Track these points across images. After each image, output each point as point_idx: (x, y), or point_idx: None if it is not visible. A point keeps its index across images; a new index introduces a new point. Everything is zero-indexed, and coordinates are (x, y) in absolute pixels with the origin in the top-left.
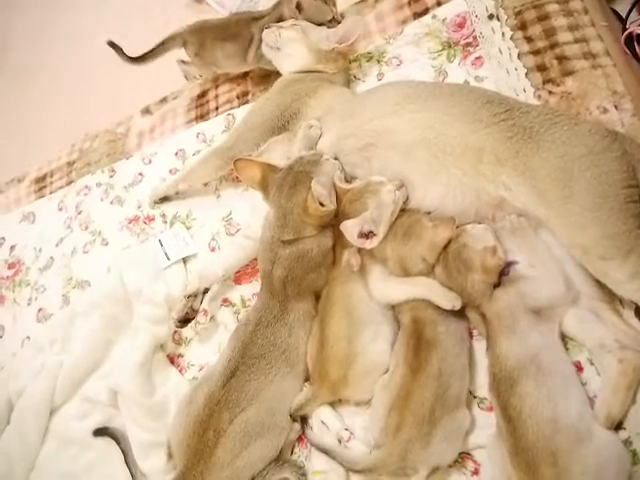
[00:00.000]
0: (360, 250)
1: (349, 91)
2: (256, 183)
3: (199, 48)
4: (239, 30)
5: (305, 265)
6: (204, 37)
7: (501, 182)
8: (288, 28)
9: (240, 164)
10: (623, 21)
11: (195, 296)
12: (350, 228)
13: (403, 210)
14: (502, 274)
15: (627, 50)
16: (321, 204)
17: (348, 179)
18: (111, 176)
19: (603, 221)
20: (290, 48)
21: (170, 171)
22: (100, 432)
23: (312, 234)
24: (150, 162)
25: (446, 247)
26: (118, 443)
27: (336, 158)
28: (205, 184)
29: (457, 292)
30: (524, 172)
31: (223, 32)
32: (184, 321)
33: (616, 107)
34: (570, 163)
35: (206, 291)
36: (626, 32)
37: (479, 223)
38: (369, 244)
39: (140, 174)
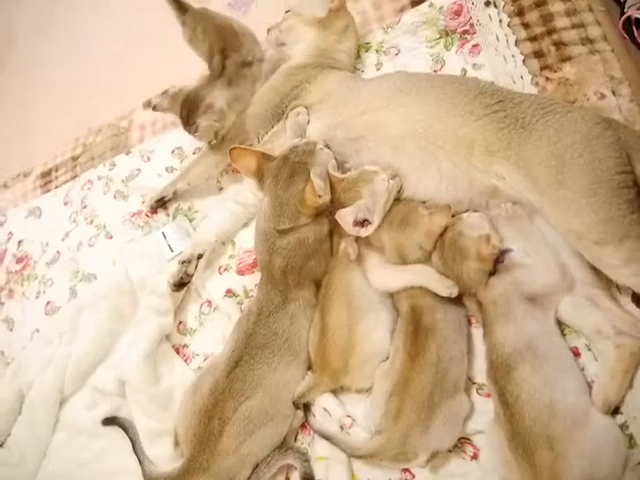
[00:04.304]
0: (357, 239)
1: (350, 77)
2: (251, 172)
3: (193, 34)
4: (231, 38)
5: (303, 253)
6: (199, 24)
7: (493, 172)
8: (284, 20)
9: (235, 153)
10: (621, 5)
11: (189, 262)
12: (345, 217)
13: (398, 199)
14: (497, 262)
15: (625, 35)
16: (318, 196)
17: (340, 167)
18: (111, 169)
19: (597, 206)
20: (294, 35)
21: (166, 169)
22: (109, 421)
23: (307, 222)
24: (149, 159)
25: (442, 235)
26: (126, 432)
27: (327, 146)
28: (207, 178)
29: (453, 280)
30: (517, 161)
31: (214, 28)
32: (179, 285)
33: (614, 93)
34: (563, 150)
35: (200, 257)
36: (624, 16)
37: (475, 211)
38: (364, 232)
39: (138, 169)
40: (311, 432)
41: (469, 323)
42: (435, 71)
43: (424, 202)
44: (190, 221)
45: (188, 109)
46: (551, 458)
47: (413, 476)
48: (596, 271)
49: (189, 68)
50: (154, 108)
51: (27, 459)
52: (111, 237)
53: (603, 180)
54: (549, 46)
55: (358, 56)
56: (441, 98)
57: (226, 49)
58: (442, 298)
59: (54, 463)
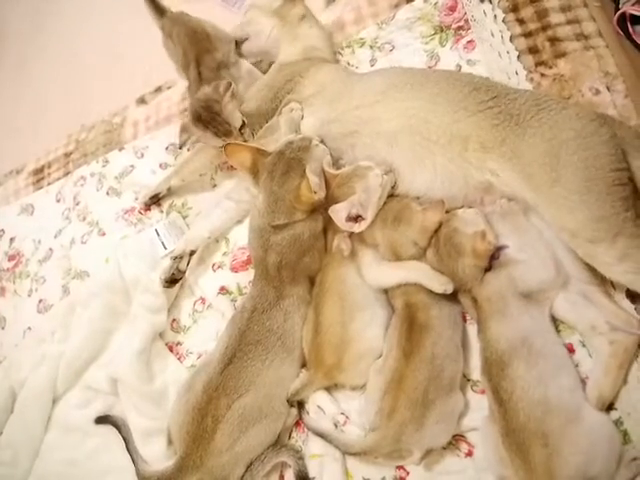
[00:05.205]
0: (351, 235)
1: (343, 71)
2: (246, 168)
3: (167, 38)
4: (204, 42)
5: (298, 249)
6: (174, 29)
7: (487, 168)
8: (244, 16)
9: (230, 149)
10: (616, 1)
11: (181, 258)
12: (338, 212)
13: (392, 195)
14: (493, 258)
15: (620, 31)
16: (314, 192)
17: (335, 163)
18: (104, 166)
19: (591, 204)
20: (255, 26)
21: (160, 165)
22: (102, 420)
23: (302, 218)
24: (142, 156)
25: (437, 231)
26: (119, 430)
27: (322, 141)
28: (201, 175)
29: (448, 276)
30: (511, 158)
31: (186, 32)
32: (171, 281)
33: (608, 88)
34: (557, 147)
35: (192, 253)
36: (619, 12)
37: (470, 207)
38: (357, 228)
39: (131, 166)
40: (305, 430)
41: (464, 320)
42: (430, 67)
43: (418, 198)
44: (184, 218)
45: (205, 112)
46: (545, 454)
47: (407, 473)
48: (590, 267)
49: None
50: (181, 147)
51: (19, 458)
52: (104, 234)
53: (597, 177)
54: (544, 42)
55: (353, 52)
56: (436, 94)
57: (199, 55)
58: (437, 295)
59: (47, 462)
